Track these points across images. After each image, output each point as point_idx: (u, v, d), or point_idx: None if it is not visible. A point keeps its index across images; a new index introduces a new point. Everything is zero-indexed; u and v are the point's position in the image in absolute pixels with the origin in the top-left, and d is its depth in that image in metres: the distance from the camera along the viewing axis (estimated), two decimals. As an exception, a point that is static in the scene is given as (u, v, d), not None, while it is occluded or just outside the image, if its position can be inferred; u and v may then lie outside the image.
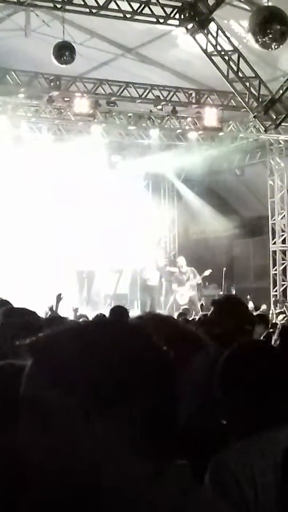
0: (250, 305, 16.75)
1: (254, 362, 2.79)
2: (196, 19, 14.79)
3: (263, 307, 18.96)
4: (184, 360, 2.29)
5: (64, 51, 15.92)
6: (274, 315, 16.90)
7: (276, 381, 2.72)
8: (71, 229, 21.02)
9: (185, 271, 20.93)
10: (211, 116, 19.54)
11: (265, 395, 2.68)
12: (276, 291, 22.03)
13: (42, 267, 20.23)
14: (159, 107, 20.00)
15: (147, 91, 19.24)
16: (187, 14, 14.92)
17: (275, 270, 22.30)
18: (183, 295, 20.54)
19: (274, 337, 4.08)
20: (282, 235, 22.39)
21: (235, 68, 15.47)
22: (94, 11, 14.68)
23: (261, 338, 4.99)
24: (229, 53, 15.34)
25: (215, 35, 15.03)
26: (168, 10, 14.97)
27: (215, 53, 15.23)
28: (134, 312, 16.21)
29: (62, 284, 18.93)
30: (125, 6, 14.64)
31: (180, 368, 2.24)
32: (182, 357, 2.27)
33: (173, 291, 21.10)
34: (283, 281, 22.10)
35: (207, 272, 20.62)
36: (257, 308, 16.88)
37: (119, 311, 8.72)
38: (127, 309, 9.19)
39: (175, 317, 9.69)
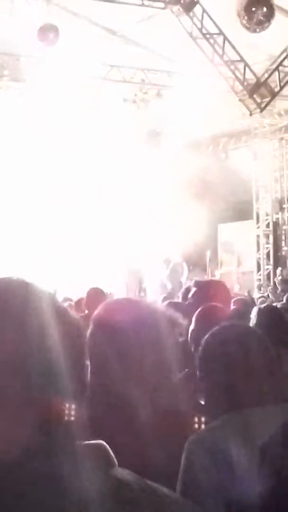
0: (236, 288, 16.88)
1: (234, 344, 2.79)
2: (182, 1, 14.74)
3: (236, 287, 19.08)
4: (156, 340, 2.29)
5: (49, 32, 15.85)
6: (257, 300, 16.98)
7: (254, 363, 2.74)
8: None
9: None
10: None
11: (242, 377, 2.69)
12: (260, 275, 22.10)
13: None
14: (144, 90, 19.92)
15: (133, 73, 19.16)
16: (172, -3, 14.89)
17: (259, 254, 22.37)
18: None
19: (252, 319, 4.12)
20: (266, 220, 22.46)
21: (220, 52, 15.46)
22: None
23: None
24: (214, 36, 15.32)
25: (200, 18, 14.99)
26: (153, -8, 14.93)
27: (201, 36, 15.21)
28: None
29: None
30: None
31: (151, 349, 2.26)
32: (154, 338, 2.28)
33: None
34: (267, 265, 22.17)
35: None
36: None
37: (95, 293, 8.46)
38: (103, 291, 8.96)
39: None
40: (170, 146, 24.24)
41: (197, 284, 5.39)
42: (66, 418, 1.34)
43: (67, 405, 1.34)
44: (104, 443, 1.39)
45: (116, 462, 1.37)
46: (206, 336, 2.88)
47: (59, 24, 16.32)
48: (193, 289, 5.29)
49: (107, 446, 1.38)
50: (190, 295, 5.29)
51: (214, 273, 22.01)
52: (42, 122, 20.27)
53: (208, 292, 5.06)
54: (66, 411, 1.34)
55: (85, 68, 18.70)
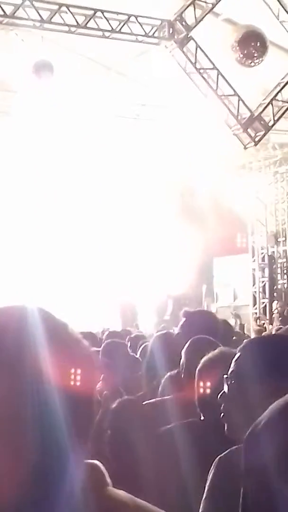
0: (232, 321, 16.91)
1: (270, 356, 2.60)
2: (175, 37, 14.85)
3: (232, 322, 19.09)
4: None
5: (43, 68, 15.95)
6: (252, 332, 16.98)
7: None
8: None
9: None
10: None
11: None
12: (256, 308, 22.05)
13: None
14: (139, 124, 20.03)
15: (127, 108, 19.29)
16: (165, 33, 14.99)
17: (255, 288, 22.34)
18: None
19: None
20: (262, 253, 22.46)
21: (214, 86, 15.53)
22: (73, 29, 14.73)
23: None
24: (208, 70, 15.40)
25: (194, 53, 15.09)
26: (147, 28, 15.03)
27: (194, 71, 15.29)
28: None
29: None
30: (104, 25, 14.70)
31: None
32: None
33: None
34: (263, 298, 22.13)
35: None
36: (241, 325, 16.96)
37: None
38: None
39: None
40: (165, 179, 24.28)
41: (186, 314, 5.36)
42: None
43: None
44: (98, 463, 1.38)
45: (110, 482, 1.38)
46: (239, 351, 2.73)
47: (54, 60, 16.42)
48: (182, 319, 5.25)
49: (101, 466, 1.38)
50: (179, 326, 5.23)
51: (210, 307, 21.94)
52: (34, 157, 20.30)
53: (196, 321, 5.02)
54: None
55: (79, 103, 18.80)
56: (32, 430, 1.25)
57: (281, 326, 17.77)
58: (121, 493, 1.37)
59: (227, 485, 2.42)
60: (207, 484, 2.61)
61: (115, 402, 3.56)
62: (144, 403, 4.33)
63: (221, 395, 2.73)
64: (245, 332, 16.69)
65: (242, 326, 18.40)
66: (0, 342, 1.29)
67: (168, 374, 4.58)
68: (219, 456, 2.55)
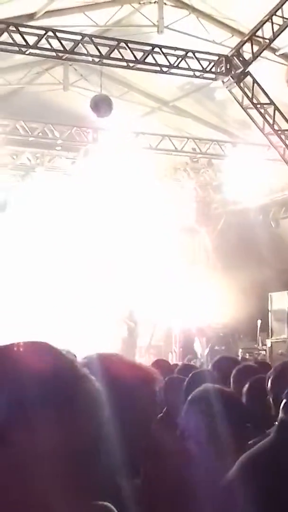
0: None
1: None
2: (232, 72, 14.94)
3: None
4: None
5: (101, 104, 16.15)
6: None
7: None
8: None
9: None
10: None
11: None
12: (312, 344, 21.80)
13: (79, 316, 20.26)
14: (195, 159, 20.13)
15: (184, 143, 19.39)
16: (223, 68, 15.09)
17: (311, 322, 22.11)
18: None
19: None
20: None
21: (271, 121, 15.57)
22: (131, 65, 14.91)
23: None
24: (265, 106, 15.45)
25: (251, 88, 15.16)
26: (204, 63, 15.16)
27: (251, 106, 15.35)
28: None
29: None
30: (162, 60, 14.86)
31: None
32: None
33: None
34: None
35: None
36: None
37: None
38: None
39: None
40: (221, 214, 24.30)
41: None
42: None
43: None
44: (110, 505, 1.37)
45: None
46: (276, 366, 2.79)
47: (112, 95, 16.65)
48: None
49: (113, 508, 1.37)
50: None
51: (265, 342, 21.79)
52: (92, 189, 20.50)
53: None
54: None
55: (137, 138, 19.00)
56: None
57: None
58: None
59: None
60: None
61: None
62: None
63: None
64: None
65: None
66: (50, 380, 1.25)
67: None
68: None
